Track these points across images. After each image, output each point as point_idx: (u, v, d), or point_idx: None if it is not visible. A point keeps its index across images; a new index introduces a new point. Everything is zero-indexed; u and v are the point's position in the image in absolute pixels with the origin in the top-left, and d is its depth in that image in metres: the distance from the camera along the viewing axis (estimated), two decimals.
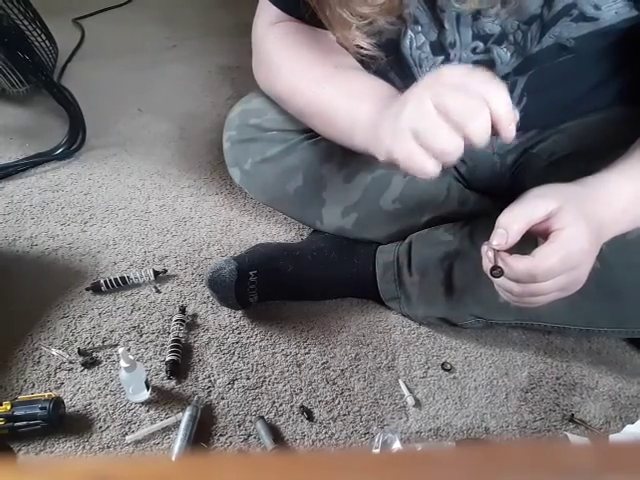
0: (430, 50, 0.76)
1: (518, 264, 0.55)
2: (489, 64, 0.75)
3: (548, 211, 0.55)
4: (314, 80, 0.71)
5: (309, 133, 0.81)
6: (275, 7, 0.78)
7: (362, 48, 0.68)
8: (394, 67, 0.82)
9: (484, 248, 0.58)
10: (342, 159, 0.81)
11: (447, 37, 0.74)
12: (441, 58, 0.77)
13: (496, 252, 0.56)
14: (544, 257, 0.54)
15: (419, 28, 0.75)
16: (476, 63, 0.75)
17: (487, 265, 0.58)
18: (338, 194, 0.83)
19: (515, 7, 0.67)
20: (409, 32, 0.76)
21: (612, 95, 0.81)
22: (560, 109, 0.81)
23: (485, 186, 0.92)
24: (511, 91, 0.77)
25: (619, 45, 0.72)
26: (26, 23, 1.37)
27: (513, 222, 0.56)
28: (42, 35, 1.42)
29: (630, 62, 0.76)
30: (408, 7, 0.73)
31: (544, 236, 0.57)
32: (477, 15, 0.71)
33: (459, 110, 0.53)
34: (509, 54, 0.73)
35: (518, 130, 0.85)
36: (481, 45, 0.73)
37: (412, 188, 0.84)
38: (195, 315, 0.90)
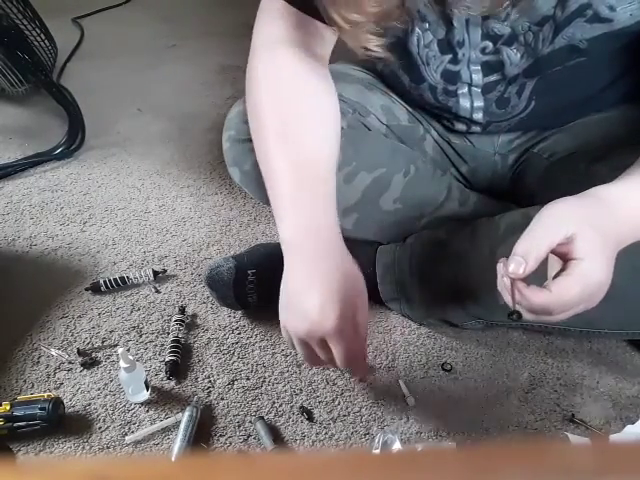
0: (438, 48, 0.76)
1: (535, 298, 0.53)
2: (498, 65, 0.75)
3: (567, 236, 0.53)
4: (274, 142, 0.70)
5: None
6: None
7: (369, 50, 0.67)
8: (402, 66, 0.82)
9: (499, 267, 0.56)
10: (342, 159, 0.81)
11: (455, 35, 0.73)
12: (449, 57, 0.76)
13: (513, 281, 0.54)
14: (562, 292, 0.53)
15: (427, 26, 0.74)
16: (485, 64, 0.75)
17: (505, 296, 0.56)
18: (338, 194, 0.83)
19: (526, 7, 0.66)
20: (416, 30, 0.75)
21: (619, 96, 0.81)
22: (567, 110, 0.81)
23: (486, 186, 0.92)
24: (519, 94, 0.77)
25: (630, 47, 0.72)
26: (25, 23, 1.37)
27: (531, 250, 0.54)
28: (41, 35, 1.42)
29: (638, 63, 0.76)
30: (410, 9, 0.72)
31: (561, 258, 0.55)
32: (487, 15, 0.70)
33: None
34: (519, 55, 0.73)
35: (522, 130, 0.86)
36: (490, 45, 0.73)
37: (412, 189, 0.84)
38: (195, 315, 0.89)
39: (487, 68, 0.76)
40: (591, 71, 0.74)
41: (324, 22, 0.68)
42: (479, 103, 0.80)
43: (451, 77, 0.78)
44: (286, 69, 0.72)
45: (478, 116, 0.82)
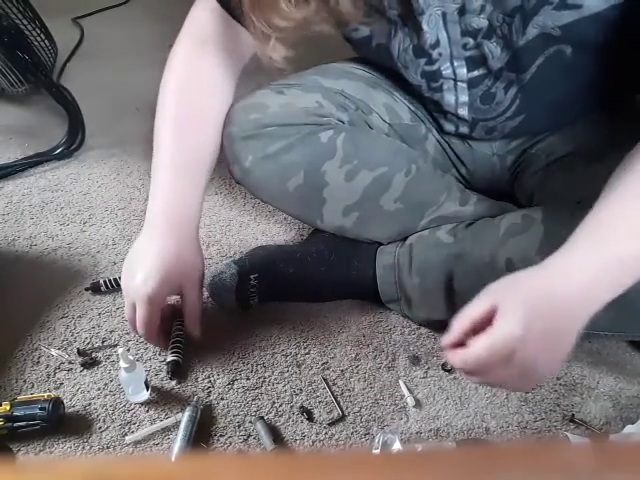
0: (412, 53, 0.77)
1: (453, 356, 0.58)
2: (482, 59, 0.75)
3: (483, 310, 0.56)
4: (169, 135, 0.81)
5: (310, 128, 0.81)
6: None
7: (273, 59, 0.72)
8: (391, 70, 0.83)
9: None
10: (343, 156, 0.81)
11: (427, 40, 0.75)
12: (424, 60, 0.78)
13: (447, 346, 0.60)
14: (471, 346, 0.56)
15: (406, 30, 0.76)
16: (469, 59, 0.76)
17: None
18: (339, 193, 0.83)
19: None
20: (399, 33, 0.76)
21: (609, 96, 0.81)
22: (556, 111, 0.81)
23: (485, 187, 0.92)
24: (506, 90, 0.78)
25: (612, 40, 0.72)
26: (25, 22, 1.36)
27: (456, 321, 0.58)
28: (41, 35, 1.42)
29: (628, 61, 0.76)
30: (387, 11, 0.74)
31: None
32: (463, 10, 0.71)
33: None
34: (499, 48, 0.73)
35: (517, 135, 0.86)
36: (471, 41, 0.74)
37: (413, 188, 0.84)
38: None
39: (471, 63, 0.76)
40: (575, 67, 0.74)
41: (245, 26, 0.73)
42: (464, 98, 0.80)
43: (431, 76, 0.80)
44: (199, 63, 0.83)
45: (463, 112, 0.82)
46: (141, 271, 0.76)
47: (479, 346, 0.55)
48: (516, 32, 0.71)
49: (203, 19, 0.83)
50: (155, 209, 0.79)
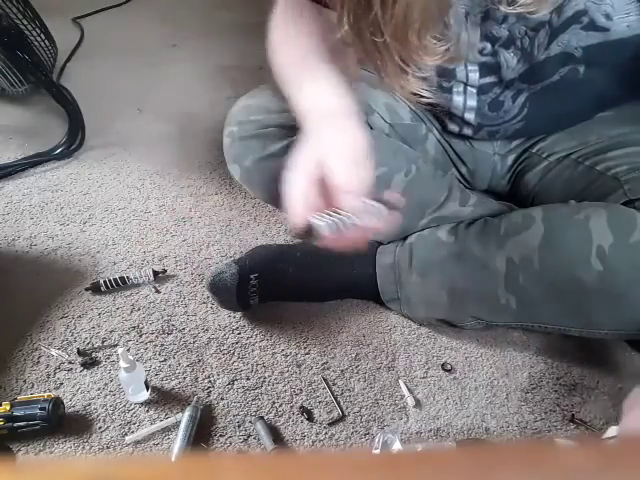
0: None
1: None
2: (495, 67, 0.75)
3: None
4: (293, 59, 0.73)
5: None
6: None
7: (420, 95, 0.69)
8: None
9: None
10: None
11: (450, 30, 0.73)
12: None
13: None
14: None
15: None
16: (483, 65, 0.75)
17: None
18: None
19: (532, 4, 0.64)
20: None
21: (616, 103, 0.81)
22: (560, 121, 0.81)
23: (486, 186, 0.92)
24: (514, 99, 0.77)
25: (628, 63, 0.71)
26: (25, 22, 1.36)
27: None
28: (41, 34, 1.42)
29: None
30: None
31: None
32: (486, 16, 0.71)
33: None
34: (516, 59, 0.73)
35: (515, 138, 0.86)
36: (489, 47, 0.73)
37: (413, 188, 0.84)
38: (195, 315, 0.89)
39: (485, 69, 0.76)
40: (587, 83, 0.74)
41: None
42: (472, 103, 0.80)
43: (445, 73, 0.79)
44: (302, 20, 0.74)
45: (470, 116, 0.82)
46: (344, 136, 0.64)
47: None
48: (538, 46, 0.70)
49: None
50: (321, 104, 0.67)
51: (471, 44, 0.74)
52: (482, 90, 0.78)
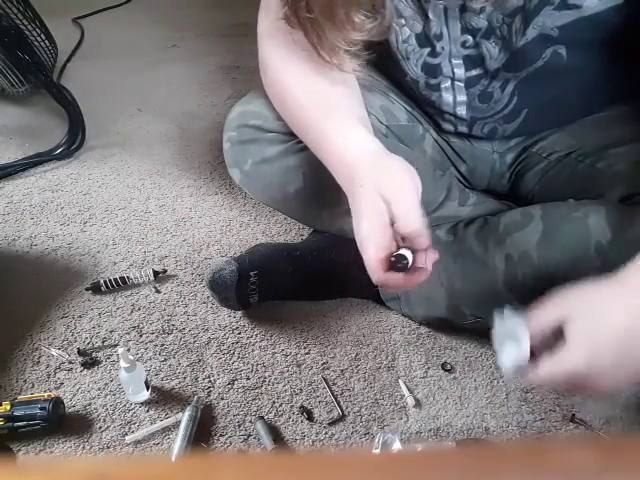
0: (416, 42, 0.77)
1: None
2: (479, 59, 0.75)
3: (550, 325, 0.54)
4: (303, 93, 0.73)
5: None
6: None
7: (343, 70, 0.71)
8: (387, 61, 0.83)
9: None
10: None
11: (432, 28, 0.74)
12: (427, 50, 0.77)
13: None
14: (538, 370, 0.54)
15: (403, 21, 0.75)
16: (467, 57, 0.76)
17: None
18: (338, 195, 0.83)
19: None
20: (393, 26, 0.76)
21: (610, 97, 0.81)
22: (553, 111, 0.81)
23: (485, 185, 0.92)
24: (502, 88, 0.78)
25: (611, 42, 0.72)
26: (26, 23, 1.37)
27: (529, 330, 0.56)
28: (42, 35, 1.42)
29: (627, 63, 0.76)
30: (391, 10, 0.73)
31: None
32: (464, 8, 0.71)
33: None
34: (497, 49, 0.73)
35: (516, 136, 0.86)
36: (470, 39, 0.74)
37: None
38: (195, 315, 0.89)
39: (469, 62, 0.76)
40: (571, 67, 0.74)
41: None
42: (462, 97, 0.80)
43: (431, 70, 0.79)
44: (296, 44, 0.73)
45: (461, 111, 0.82)
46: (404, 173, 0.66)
47: (543, 374, 0.54)
48: (515, 33, 0.71)
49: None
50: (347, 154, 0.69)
51: (453, 38, 0.74)
52: (470, 83, 0.78)
